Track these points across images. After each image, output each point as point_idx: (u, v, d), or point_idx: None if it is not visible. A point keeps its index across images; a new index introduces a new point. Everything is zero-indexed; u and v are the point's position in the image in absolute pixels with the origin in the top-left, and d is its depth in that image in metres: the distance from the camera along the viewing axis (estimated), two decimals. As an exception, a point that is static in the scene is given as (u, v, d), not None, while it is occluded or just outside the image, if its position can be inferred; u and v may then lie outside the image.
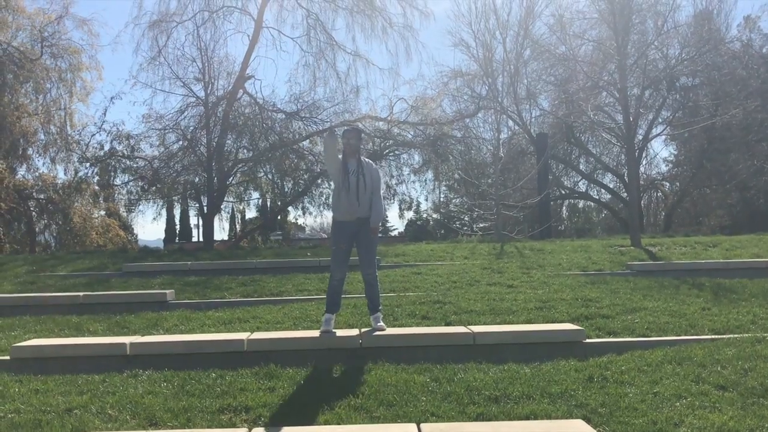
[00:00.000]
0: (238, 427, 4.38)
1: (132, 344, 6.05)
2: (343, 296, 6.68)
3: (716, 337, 6.28)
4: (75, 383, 5.45)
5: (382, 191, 6.57)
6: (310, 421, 4.49)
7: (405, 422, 4.38)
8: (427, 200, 43.37)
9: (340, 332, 6.29)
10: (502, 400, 4.81)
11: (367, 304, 6.67)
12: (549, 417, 4.47)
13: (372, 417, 4.55)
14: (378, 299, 6.55)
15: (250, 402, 4.84)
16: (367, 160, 6.54)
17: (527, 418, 4.48)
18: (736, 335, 6.31)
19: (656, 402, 4.69)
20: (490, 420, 4.44)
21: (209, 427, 4.45)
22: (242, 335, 6.26)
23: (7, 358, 6.06)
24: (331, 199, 6.51)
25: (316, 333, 6.31)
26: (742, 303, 7.84)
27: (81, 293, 8.72)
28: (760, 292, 8.50)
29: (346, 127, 6.55)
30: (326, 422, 4.46)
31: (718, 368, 5.32)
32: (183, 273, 10.97)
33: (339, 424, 4.40)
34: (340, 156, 6.45)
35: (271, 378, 5.42)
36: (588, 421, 4.36)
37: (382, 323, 6.44)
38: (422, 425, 4.20)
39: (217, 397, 5.01)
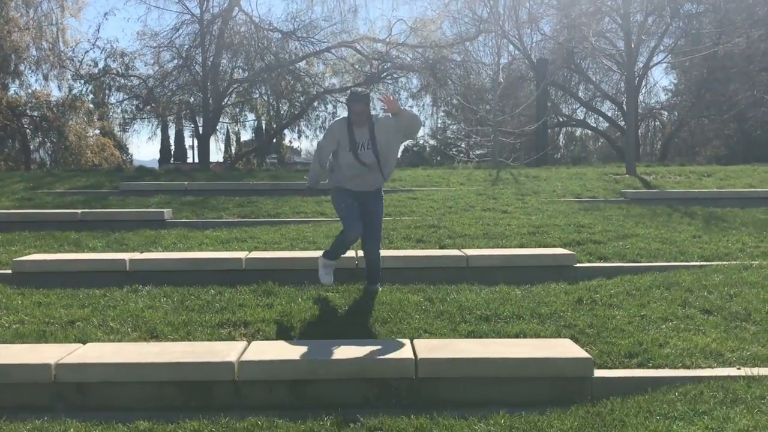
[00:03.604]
0: (238, 341, 4.52)
1: (131, 260, 6.15)
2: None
3: (705, 263, 6.41)
4: (76, 297, 5.57)
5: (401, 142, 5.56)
6: (307, 336, 4.63)
7: (399, 338, 4.52)
8: (424, 126, 43.00)
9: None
10: (492, 320, 4.96)
11: (366, 275, 5.76)
12: (538, 336, 4.62)
13: (367, 333, 4.69)
14: (378, 274, 5.70)
15: (248, 317, 4.97)
16: (380, 117, 5.37)
17: (516, 336, 4.63)
18: (724, 262, 6.44)
19: (643, 324, 4.84)
20: (480, 338, 4.59)
21: (209, 340, 4.59)
22: (240, 254, 6.36)
23: (9, 271, 6.17)
24: (331, 157, 5.48)
25: (313, 253, 6.41)
26: (733, 231, 7.95)
27: (79, 210, 8.77)
28: (751, 221, 8.62)
29: (351, 91, 5.44)
30: (323, 336, 4.60)
31: (705, 293, 5.46)
32: (180, 193, 11.02)
33: (335, 338, 4.54)
34: (336, 137, 5.34)
35: (269, 295, 5.55)
36: (576, 340, 4.51)
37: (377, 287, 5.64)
38: (415, 341, 4.35)
39: (216, 312, 5.14)
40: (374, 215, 5.54)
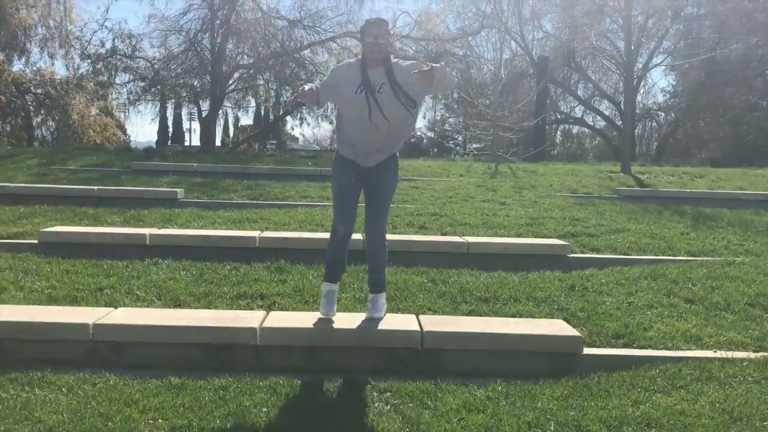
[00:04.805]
0: (257, 310, 4.89)
1: (151, 235, 6.51)
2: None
3: (691, 258, 6.81)
4: (101, 267, 5.93)
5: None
6: (319, 309, 4.99)
7: (405, 314, 4.90)
8: (424, 118, 43.39)
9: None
10: (491, 301, 5.34)
11: (367, 278, 4.72)
12: (533, 317, 5.01)
13: (375, 309, 5.05)
14: (383, 274, 4.61)
15: (264, 291, 5.34)
16: (399, 62, 4.30)
17: (513, 316, 5.01)
18: (709, 258, 6.84)
19: (630, 310, 5.23)
20: (480, 316, 4.98)
21: (230, 309, 4.95)
22: (254, 233, 6.73)
23: (35, 241, 6.51)
24: (335, 121, 4.54)
25: (321, 235, 6.78)
26: (719, 230, 8.36)
27: (95, 187, 9.12)
28: (737, 221, 9.02)
29: (367, 19, 4.27)
30: (335, 310, 4.97)
31: (689, 285, 5.86)
32: (189, 174, 11.37)
33: (345, 312, 4.92)
34: (338, 77, 4.29)
35: (282, 272, 5.92)
36: (568, 322, 4.89)
37: (379, 309, 4.54)
38: (420, 316, 4.73)
39: (233, 285, 5.51)
40: (376, 190, 4.49)
